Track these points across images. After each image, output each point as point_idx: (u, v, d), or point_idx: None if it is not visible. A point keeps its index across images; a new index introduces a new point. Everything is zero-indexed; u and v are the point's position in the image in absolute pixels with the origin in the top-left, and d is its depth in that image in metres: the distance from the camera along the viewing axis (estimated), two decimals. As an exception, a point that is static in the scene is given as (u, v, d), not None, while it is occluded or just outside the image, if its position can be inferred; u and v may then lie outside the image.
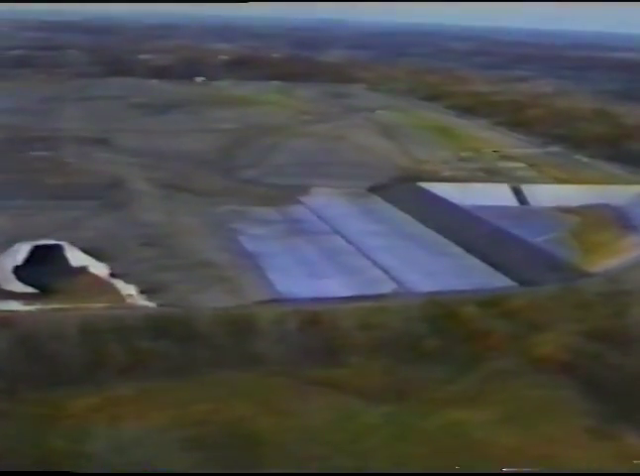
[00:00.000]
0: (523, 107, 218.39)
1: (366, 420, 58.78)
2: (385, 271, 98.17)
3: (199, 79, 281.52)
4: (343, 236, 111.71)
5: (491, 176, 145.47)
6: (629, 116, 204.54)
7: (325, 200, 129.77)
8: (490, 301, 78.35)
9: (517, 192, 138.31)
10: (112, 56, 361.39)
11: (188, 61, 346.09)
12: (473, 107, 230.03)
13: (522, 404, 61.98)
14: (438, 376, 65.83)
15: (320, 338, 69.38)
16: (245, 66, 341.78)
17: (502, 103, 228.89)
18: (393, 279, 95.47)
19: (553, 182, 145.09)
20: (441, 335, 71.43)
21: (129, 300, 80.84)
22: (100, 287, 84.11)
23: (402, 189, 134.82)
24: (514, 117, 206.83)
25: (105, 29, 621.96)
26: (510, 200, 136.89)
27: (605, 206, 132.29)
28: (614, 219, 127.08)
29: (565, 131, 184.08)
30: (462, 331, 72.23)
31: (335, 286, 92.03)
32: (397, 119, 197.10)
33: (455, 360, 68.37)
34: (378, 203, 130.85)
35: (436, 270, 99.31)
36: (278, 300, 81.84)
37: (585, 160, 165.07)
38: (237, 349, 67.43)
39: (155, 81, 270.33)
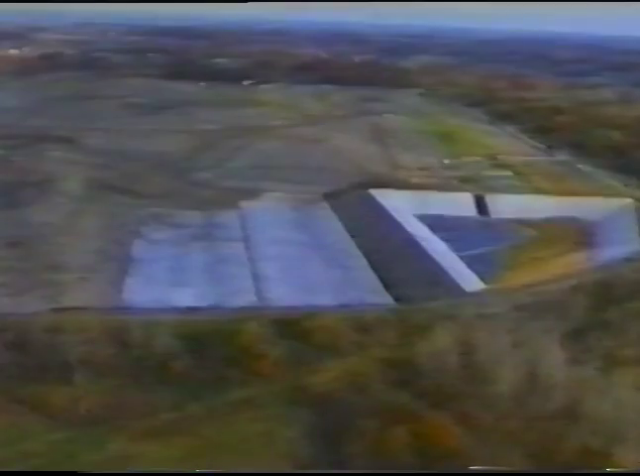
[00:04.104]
0: (560, 114, 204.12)
1: (28, 447, 51.89)
2: (257, 282, 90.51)
3: (246, 83, 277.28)
4: (247, 244, 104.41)
5: (465, 184, 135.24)
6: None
7: (265, 206, 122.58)
8: (295, 321, 69.36)
9: (480, 203, 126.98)
10: (187, 59, 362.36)
11: (258, 65, 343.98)
12: (510, 113, 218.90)
13: (229, 439, 53.44)
14: (165, 401, 57.94)
15: (60, 352, 62.16)
16: (312, 71, 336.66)
17: (542, 109, 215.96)
18: (258, 291, 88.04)
19: (532, 193, 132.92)
20: (203, 356, 62.98)
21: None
22: None
23: (353, 197, 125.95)
24: (544, 124, 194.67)
25: (209, 34, 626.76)
26: (470, 210, 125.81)
27: (571, 220, 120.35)
28: (575, 234, 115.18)
29: (585, 139, 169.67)
30: (232, 353, 63.42)
31: (187, 296, 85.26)
32: (401, 124, 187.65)
33: (201, 385, 59.99)
34: (322, 210, 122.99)
35: (317, 283, 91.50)
36: (89, 309, 75.08)
37: (586, 169, 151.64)
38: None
39: (202, 84, 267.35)
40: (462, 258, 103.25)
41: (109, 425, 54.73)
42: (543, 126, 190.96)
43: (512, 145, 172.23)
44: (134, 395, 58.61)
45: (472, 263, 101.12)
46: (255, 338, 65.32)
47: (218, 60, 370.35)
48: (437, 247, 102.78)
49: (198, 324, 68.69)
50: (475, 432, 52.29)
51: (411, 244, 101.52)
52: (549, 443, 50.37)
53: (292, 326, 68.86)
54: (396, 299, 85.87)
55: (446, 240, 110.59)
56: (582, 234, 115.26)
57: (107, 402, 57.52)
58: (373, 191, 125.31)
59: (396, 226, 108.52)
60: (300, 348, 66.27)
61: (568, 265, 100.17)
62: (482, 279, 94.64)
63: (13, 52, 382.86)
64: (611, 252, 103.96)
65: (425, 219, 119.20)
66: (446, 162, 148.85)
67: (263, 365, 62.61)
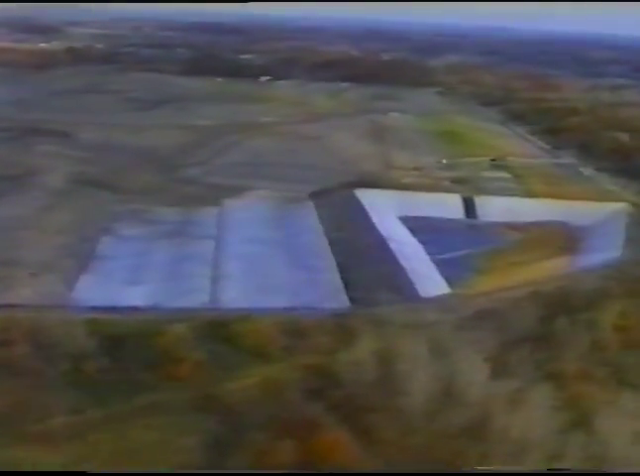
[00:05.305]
0: (574, 115, 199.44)
1: None
2: (215, 282, 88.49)
3: (264, 79, 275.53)
4: (218, 242, 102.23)
5: (458, 185, 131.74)
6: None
7: (248, 203, 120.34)
8: (225, 324, 66.95)
9: (468, 205, 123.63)
10: (212, 54, 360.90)
11: (283, 62, 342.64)
12: (524, 114, 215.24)
13: (119, 448, 51.36)
14: (67, 405, 55.63)
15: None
16: (336, 68, 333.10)
17: (557, 110, 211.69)
18: (213, 291, 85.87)
19: (526, 195, 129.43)
20: (120, 358, 60.83)
21: None
22: None
23: (337, 196, 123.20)
24: (556, 125, 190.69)
25: (243, 30, 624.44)
26: (457, 212, 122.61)
27: (560, 224, 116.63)
28: (560, 238, 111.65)
29: (593, 141, 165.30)
30: (152, 356, 61.17)
31: (139, 294, 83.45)
32: (406, 122, 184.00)
33: (110, 388, 57.81)
34: (305, 209, 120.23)
35: (276, 284, 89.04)
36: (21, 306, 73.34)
37: (587, 172, 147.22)
38: None
39: (219, 79, 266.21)
40: (437, 261, 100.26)
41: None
42: (554, 127, 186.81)
43: (518, 146, 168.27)
44: (37, 397, 56.49)
45: (446, 266, 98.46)
46: (176, 341, 62.97)
47: (244, 56, 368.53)
48: (408, 250, 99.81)
49: (124, 325, 66.44)
50: (374, 448, 49.44)
51: (380, 246, 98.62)
52: (447, 461, 47.32)
53: (222, 329, 66.20)
54: (353, 303, 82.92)
55: (425, 242, 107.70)
56: (567, 239, 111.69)
57: (6, 404, 55.32)
58: (358, 191, 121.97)
59: (370, 227, 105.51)
60: (225, 352, 63.94)
61: (543, 271, 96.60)
62: (451, 283, 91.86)
63: (43, 45, 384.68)
64: (591, 258, 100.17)
65: (408, 220, 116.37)
66: (444, 162, 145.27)
67: (180, 369, 60.30)
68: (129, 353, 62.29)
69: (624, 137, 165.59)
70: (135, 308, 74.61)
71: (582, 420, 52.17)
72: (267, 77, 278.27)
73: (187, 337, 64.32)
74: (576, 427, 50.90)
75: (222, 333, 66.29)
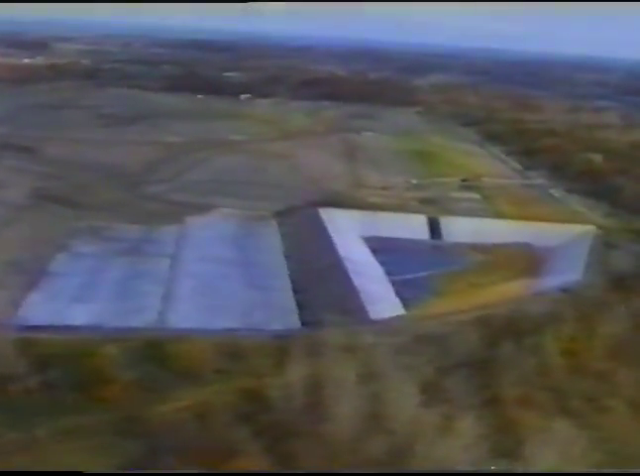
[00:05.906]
0: (551, 136, 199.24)
1: None
2: (165, 301, 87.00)
3: (244, 96, 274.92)
4: (174, 260, 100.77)
5: (425, 205, 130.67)
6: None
7: (210, 222, 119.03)
8: (160, 345, 65.43)
9: (434, 225, 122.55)
10: (197, 72, 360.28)
11: (268, 80, 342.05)
12: (502, 134, 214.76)
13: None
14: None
15: None
16: (320, 87, 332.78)
17: (534, 131, 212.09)
18: (163, 310, 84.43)
19: (493, 216, 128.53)
20: (49, 379, 59.31)
21: None
22: None
23: (301, 216, 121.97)
24: (531, 146, 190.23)
25: (233, 48, 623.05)
26: (422, 233, 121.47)
27: (524, 246, 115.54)
28: (524, 260, 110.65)
29: (567, 162, 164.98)
30: (82, 376, 59.60)
31: (86, 313, 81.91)
32: (379, 142, 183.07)
33: (35, 410, 56.37)
34: (267, 228, 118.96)
35: (227, 304, 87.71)
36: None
37: (557, 193, 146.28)
38: None
39: (200, 96, 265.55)
40: (396, 282, 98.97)
41: None
42: (529, 148, 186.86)
43: (490, 166, 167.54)
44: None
45: (405, 287, 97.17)
46: (107, 362, 61.30)
47: (229, 74, 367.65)
48: (365, 271, 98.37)
49: (57, 345, 65.01)
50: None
51: (336, 266, 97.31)
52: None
53: (156, 350, 64.73)
54: (304, 324, 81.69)
55: (387, 263, 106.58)
56: (530, 261, 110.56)
57: None
58: (322, 211, 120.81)
59: (330, 248, 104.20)
60: (157, 374, 62.38)
61: (500, 293, 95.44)
62: (407, 305, 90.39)
63: (26, 60, 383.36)
64: (550, 281, 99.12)
65: (372, 241, 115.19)
66: (413, 182, 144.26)
67: (109, 391, 58.88)
68: (58, 374, 60.70)
69: (598, 158, 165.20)
70: (73, 328, 72.78)
71: (510, 449, 50.60)
72: (248, 95, 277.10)
73: (119, 358, 62.66)
74: (502, 456, 49.30)
75: (156, 354, 64.91)
